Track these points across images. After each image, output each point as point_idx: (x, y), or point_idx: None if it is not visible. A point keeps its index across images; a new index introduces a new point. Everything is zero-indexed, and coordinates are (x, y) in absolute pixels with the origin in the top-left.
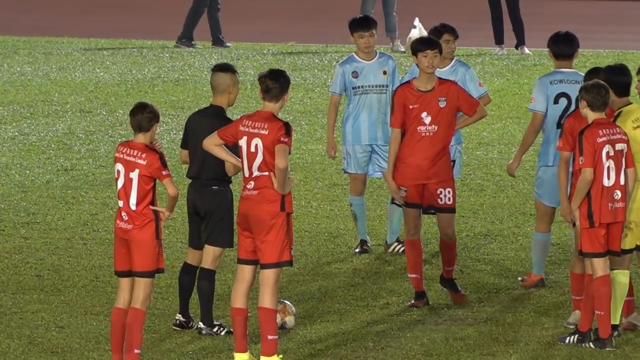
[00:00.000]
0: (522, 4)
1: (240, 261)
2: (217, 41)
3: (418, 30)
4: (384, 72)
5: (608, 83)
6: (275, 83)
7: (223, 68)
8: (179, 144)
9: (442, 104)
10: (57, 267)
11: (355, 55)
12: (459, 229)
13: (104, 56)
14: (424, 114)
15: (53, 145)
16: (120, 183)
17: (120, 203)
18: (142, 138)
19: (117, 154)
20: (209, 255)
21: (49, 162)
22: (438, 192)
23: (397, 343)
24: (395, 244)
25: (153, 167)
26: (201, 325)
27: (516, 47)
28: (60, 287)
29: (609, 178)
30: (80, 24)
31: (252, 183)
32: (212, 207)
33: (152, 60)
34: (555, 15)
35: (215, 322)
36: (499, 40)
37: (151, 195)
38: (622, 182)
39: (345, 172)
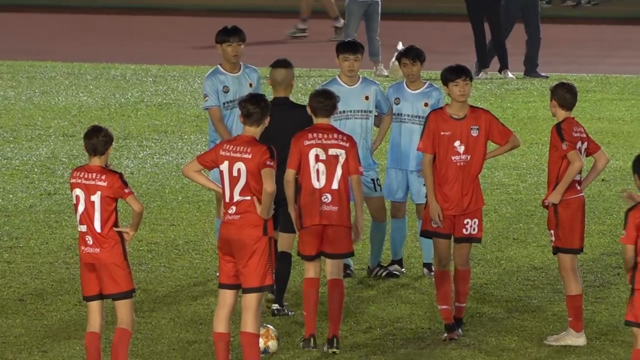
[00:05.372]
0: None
1: (222, 286)
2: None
3: None
4: (366, 97)
5: None
6: (256, 108)
7: (284, 64)
8: (163, 168)
9: (474, 133)
10: (40, 292)
11: (338, 79)
12: None
13: (87, 80)
14: (457, 143)
15: (36, 170)
16: (81, 208)
17: (83, 228)
18: (97, 161)
19: (72, 180)
20: (285, 241)
21: (32, 187)
22: (465, 222)
23: None
24: (378, 268)
25: (115, 187)
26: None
27: (499, 71)
28: (43, 312)
29: (318, 180)
30: (64, 48)
31: (234, 208)
32: (282, 196)
33: (136, 84)
34: None
35: (284, 303)
36: (483, 64)
37: (114, 217)
38: (334, 186)
39: None
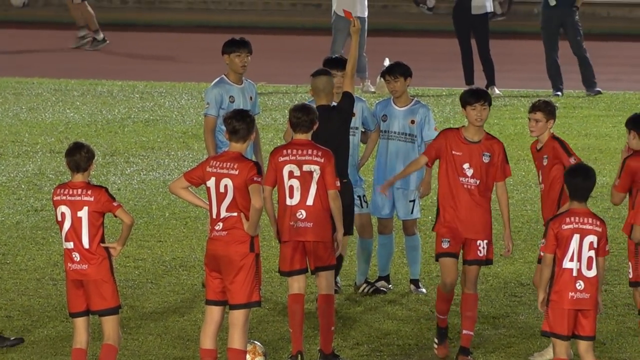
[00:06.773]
0: (492, 44)
1: (209, 302)
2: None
3: None
4: (352, 114)
5: None
6: (242, 124)
7: (326, 72)
8: (150, 184)
9: (485, 159)
10: (27, 308)
11: None
12: (429, 269)
13: (74, 97)
14: (466, 165)
15: (23, 186)
16: (67, 225)
17: (70, 245)
18: (81, 177)
19: (56, 197)
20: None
21: (19, 203)
22: (477, 243)
23: None
24: (364, 285)
25: (102, 202)
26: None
27: (486, 88)
28: (30, 328)
29: (291, 197)
30: (51, 65)
31: (221, 224)
32: (350, 200)
33: (122, 100)
34: (525, 55)
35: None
36: (469, 81)
37: (102, 232)
38: (309, 202)
39: None
